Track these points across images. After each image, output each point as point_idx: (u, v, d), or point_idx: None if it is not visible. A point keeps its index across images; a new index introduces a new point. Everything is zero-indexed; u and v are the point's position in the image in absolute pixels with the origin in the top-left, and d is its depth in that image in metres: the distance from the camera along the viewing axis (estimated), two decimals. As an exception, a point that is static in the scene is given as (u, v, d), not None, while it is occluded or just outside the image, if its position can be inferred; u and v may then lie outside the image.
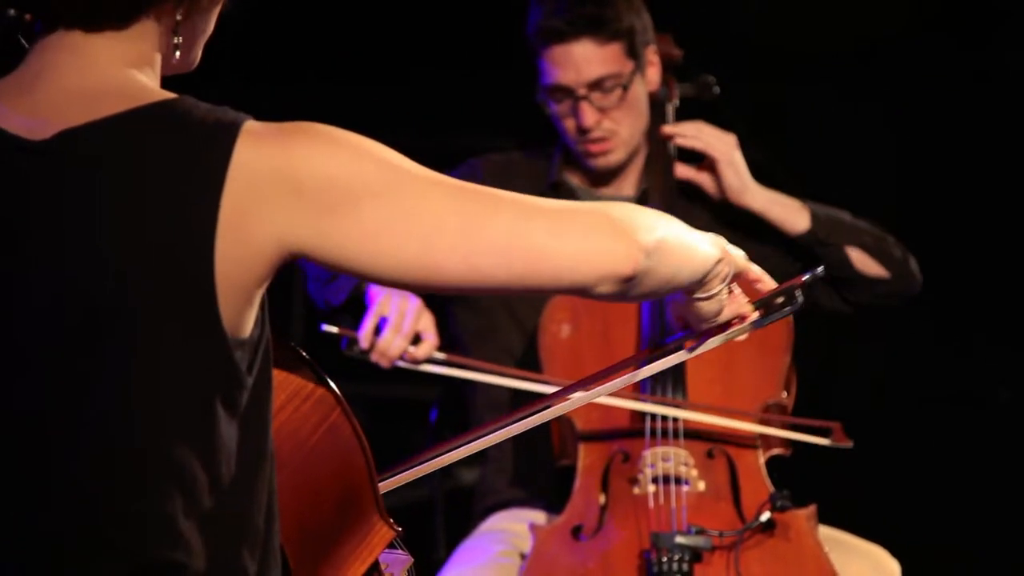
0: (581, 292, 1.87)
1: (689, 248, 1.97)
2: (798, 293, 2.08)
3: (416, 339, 3.18)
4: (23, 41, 1.93)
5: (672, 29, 3.67)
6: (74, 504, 1.76)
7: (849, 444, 3.19)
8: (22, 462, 1.77)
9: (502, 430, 2.07)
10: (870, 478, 3.24)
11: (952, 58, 4.97)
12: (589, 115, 3.44)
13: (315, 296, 3.44)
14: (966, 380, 4.93)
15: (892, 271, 3.51)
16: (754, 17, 4.81)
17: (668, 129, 3.55)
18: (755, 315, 2.10)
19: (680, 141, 3.53)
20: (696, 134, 3.52)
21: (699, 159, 3.54)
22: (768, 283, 2.11)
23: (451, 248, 1.79)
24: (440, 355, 3.19)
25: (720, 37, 4.63)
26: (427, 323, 3.19)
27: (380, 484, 1.96)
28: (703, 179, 3.52)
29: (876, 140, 4.98)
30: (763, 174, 3.55)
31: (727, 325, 2.10)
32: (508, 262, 1.81)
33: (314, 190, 1.75)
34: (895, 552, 3.27)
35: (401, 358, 3.16)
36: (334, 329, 3.17)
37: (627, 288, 1.88)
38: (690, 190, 3.56)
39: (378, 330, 3.16)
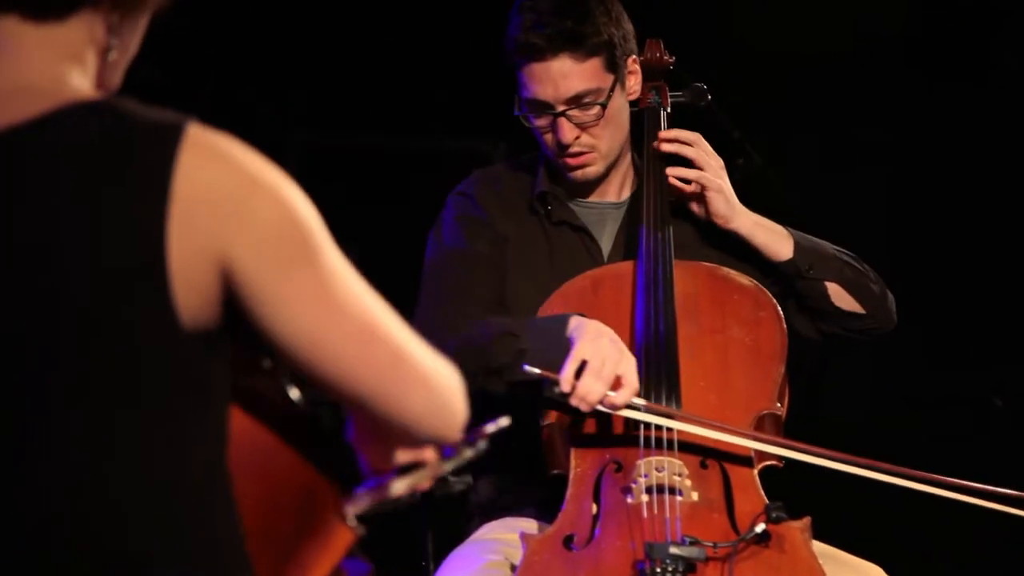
0: (404, 433, 1.96)
1: None
2: (481, 442, 2.13)
3: (616, 384, 3.12)
4: None
5: (664, 35, 3.65)
6: (36, 506, 1.75)
7: None
8: None
9: None
10: (864, 491, 3.20)
11: (950, 63, 4.96)
12: (567, 131, 3.43)
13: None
14: (960, 390, 4.92)
15: (868, 308, 3.51)
16: (745, 22, 4.80)
17: (669, 133, 3.52)
18: (438, 462, 2.12)
19: (668, 147, 3.51)
20: (695, 143, 3.49)
21: (687, 163, 3.51)
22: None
23: (346, 348, 1.86)
24: (640, 401, 3.14)
25: (713, 43, 4.62)
26: (627, 368, 3.12)
27: (362, 501, 2.00)
28: (690, 202, 3.52)
29: (870, 148, 4.97)
30: (757, 179, 3.53)
31: (411, 469, 2.11)
32: (379, 383, 1.88)
33: (264, 240, 1.80)
34: (890, 569, 3.24)
35: (600, 403, 3.10)
36: (536, 370, 3.12)
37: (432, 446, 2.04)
38: (679, 203, 3.54)
39: (578, 374, 3.10)
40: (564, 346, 3.13)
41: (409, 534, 3.54)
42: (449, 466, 2.12)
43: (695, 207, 3.52)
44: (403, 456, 2.09)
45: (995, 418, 4.93)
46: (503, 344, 3.23)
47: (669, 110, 3.61)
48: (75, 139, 1.76)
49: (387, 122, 5.19)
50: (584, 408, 3.10)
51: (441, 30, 5.06)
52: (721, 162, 3.52)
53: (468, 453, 2.13)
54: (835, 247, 3.55)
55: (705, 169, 3.49)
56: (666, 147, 3.52)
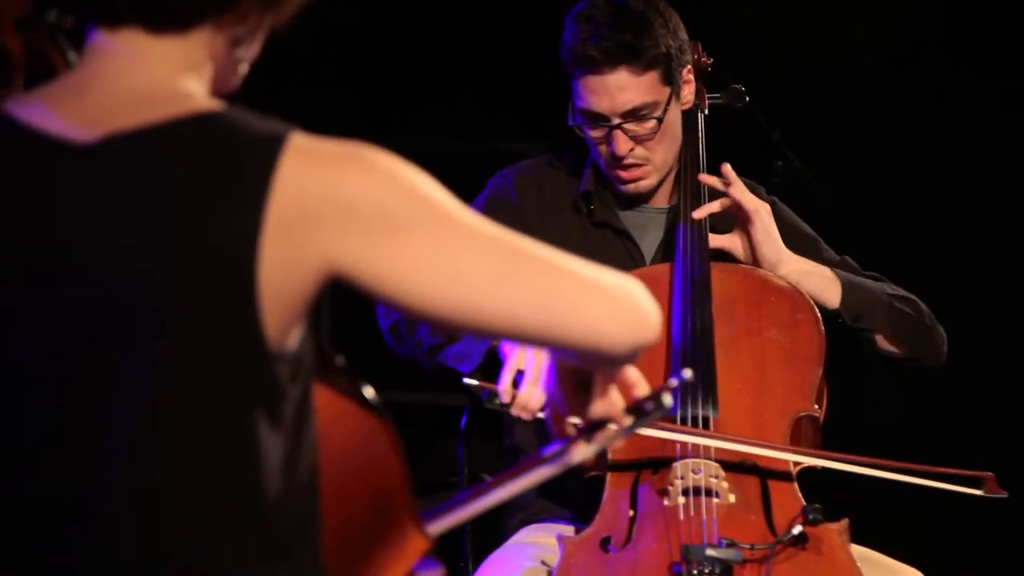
0: (595, 354, 1.86)
1: None
2: (666, 398, 2.04)
3: None
4: (57, 48, 1.92)
5: (702, 36, 3.63)
6: (106, 516, 1.75)
7: (1004, 494, 3.11)
8: (51, 474, 1.76)
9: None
10: (902, 493, 3.18)
11: (981, 67, 4.94)
12: (623, 144, 3.41)
13: (415, 355, 3.42)
14: (1000, 395, 4.90)
15: (916, 351, 3.44)
16: (784, 25, 4.79)
17: (704, 178, 3.46)
18: (627, 420, 2.04)
19: (708, 180, 3.45)
20: (735, 182, 3.41)
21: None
22: (642, 387, 2.06)
23: (493, 289, 1.79)
24: None
25: (749, 44, 4.60)
26: None
27: (431, 528, 1.95)
28: (736, 247, 3.43)
29: (906, 152, 4.95)
30: (798, 181, 3.50)
31: (599, 429, 2.04)
32: (544, 310, 1.81)
33: (367, 217, 1.76)
34: (929, 573, 3.21)
35: (541, 410, 3.10)
36: (475, 382, 3.14)
37: (634, 358, 1.89)
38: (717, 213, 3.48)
39: (516, 383, 3.10)
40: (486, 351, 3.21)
41: (447, 537, 3.54)
42: (637, 426, 2.04)
43: (741, 255, 3.42)
44: (597, 408, 2.02)
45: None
46: (450, 355, 3.35)
47: (707, 112, 3.59)
48: (184, 152, 1.76)
49: (422, 123, 5.19)
50: (526, 416, 3.11)
51: (478, 31, 5.06)
52: (767, 207, 3.41)
53: (655, 413, 2.03)
54: (883, 287, 3.46)
55: (750, 223, 3.38)
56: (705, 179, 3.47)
